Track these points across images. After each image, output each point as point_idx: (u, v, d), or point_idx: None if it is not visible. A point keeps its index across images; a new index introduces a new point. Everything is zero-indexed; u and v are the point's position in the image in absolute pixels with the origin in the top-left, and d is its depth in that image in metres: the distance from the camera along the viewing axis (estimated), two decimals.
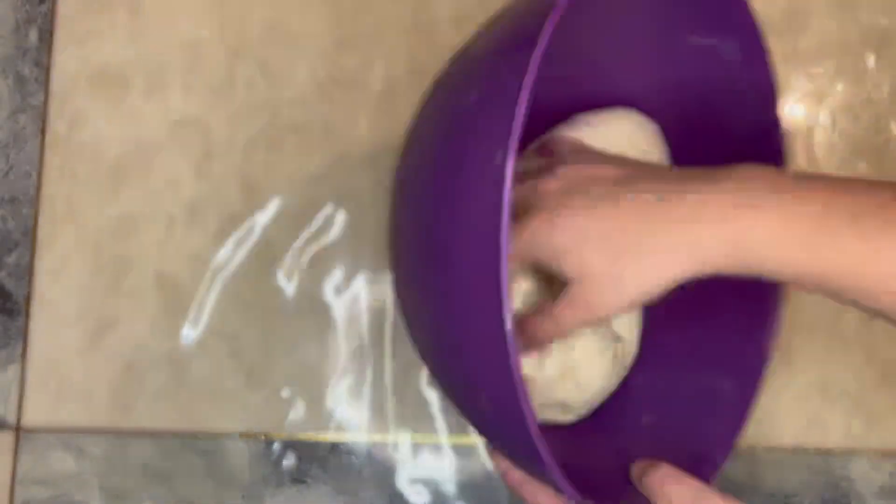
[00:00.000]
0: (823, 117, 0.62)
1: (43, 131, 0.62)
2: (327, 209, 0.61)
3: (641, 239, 0.38)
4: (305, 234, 0.61)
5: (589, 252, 0.38)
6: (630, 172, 0.41)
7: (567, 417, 0.52)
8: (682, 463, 0.39)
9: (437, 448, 0.60)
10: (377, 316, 0.60)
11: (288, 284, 0.61)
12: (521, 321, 0.43)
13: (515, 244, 0.40)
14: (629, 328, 0.53)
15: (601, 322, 0.44)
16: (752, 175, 0.37)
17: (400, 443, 0.60)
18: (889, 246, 0.34)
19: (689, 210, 0.37)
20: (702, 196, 0.37)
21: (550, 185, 0.41)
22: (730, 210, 0.36)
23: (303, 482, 0.60)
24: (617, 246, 0.38)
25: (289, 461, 0.60)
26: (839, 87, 0.62)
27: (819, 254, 0.35)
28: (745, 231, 0.36)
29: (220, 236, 0.61)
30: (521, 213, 0.41)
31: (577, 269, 0.39)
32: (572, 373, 0.49)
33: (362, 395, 0.60)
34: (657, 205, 0.37)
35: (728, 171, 0.38)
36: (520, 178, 0.42)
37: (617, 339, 0.51)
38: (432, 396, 0.60)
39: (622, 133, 0.52)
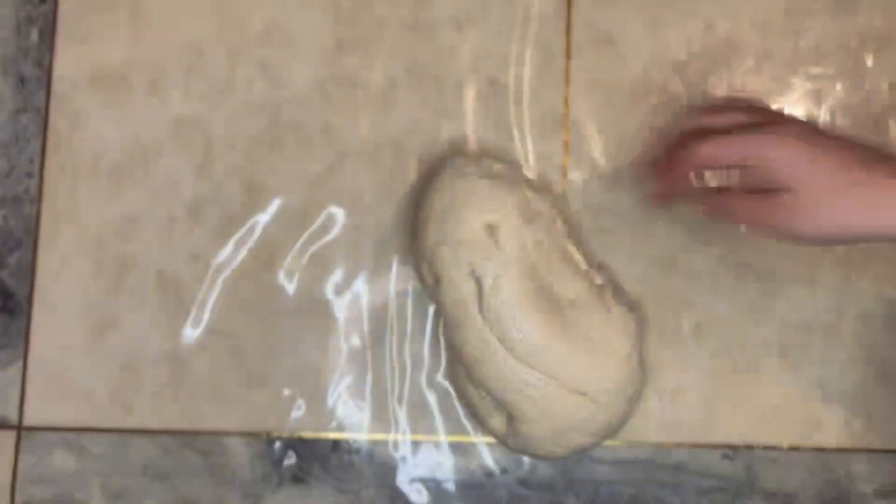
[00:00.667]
0: (823, 117, 0.62)
1: (44, 131, 0.62)
2: (327, 209, 0.61)
3: (861, 189, 0.45)
4: (306, 234, 0.61)
5: (816, 168, 0.46)
6: (838, 136, 0.49)
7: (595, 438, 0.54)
8: None
9: (437, 447, 0.60)
10: (378, 315, 0.60)
11: (288, 284, 0.61)
12: (728, 192, 0.52)
13: (751, 142, 0.48)
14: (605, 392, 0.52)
15: (783, 236, 0.49)
16: None
17: (400, 442, 0.60)
18: None
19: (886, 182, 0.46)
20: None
21: (782, 127, 0.49)
22: None
23: (303, 481, 0.60)
24: (841, 177, 0.46)
25: (289, 460, 0.60)
26: (838, 87, 0.62)
27: None
28: None
29: (221, 236, 0.61)
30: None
31: (799, 179, 0.46)
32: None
33: (363, 395, 0.60)
34: (880, 166, 0.46)
35: None
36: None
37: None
38: (432, 396, 0.60)
39: None
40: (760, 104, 0.59)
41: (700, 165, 0.52)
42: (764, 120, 0.50)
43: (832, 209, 0.46)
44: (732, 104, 0.57)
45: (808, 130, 0.48)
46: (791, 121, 0.50)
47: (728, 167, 0.53)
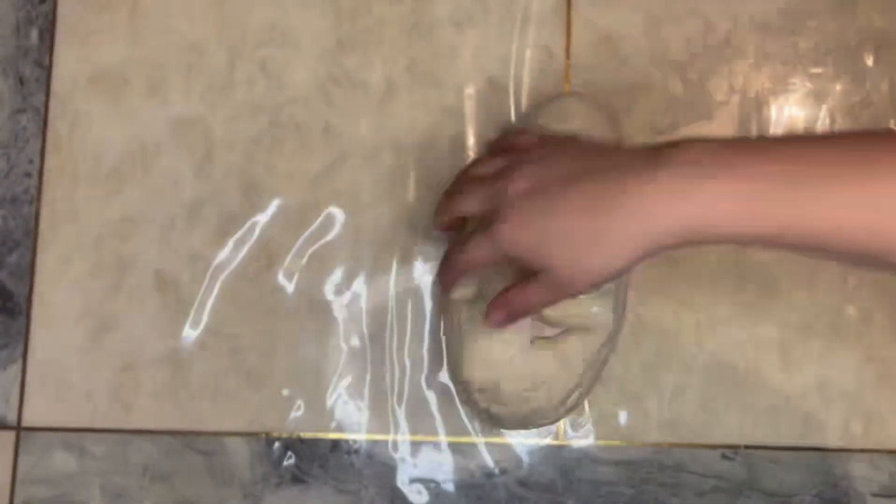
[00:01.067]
0: (823, 117, 0.62)
1: (44, 131, 0.62)
2: (327, 209, 0.61)
3: (597, 233, 0.41)
4: (305, 235, 0.61)
5: (552, 247, 0.43)
6: (584, 164, 0.44)
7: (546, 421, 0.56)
8: None
9: (436, 447, 0.60)
10: (377, 315, 0.60)
11: (288, 284, 0.61)
12: (500, 295, 0.48)
13: (487, 247, 0.46)
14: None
15: (571, 297, 0.47)
16: (695, 152, 0.39)
17: (400, 442, 0.60)
18: (826, 197, 0.36)
19: (639, 201, 0.40)
20: (651, 183, 0.40)
21: (512, 186, 0.45)
22: (678, 195, 0.39)
23: (303, 481, 0.60)
24: (576, 240, 0.42)
25: (289, 460, 0.60)
26: (838, 87, 0.62)
27: (767, 218, 0.37)
28: (698, 212, 0.39)
29: (221, 236, 0.61)
30: (490, 215, 0.46)
31: (544, 262, 0.44)
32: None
33: (362, 395, 0.60)
34: (610, 199, 0.41)
35: (672, 150, 0.40)
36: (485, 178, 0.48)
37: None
38: (432, 396, 0.60)
39: (576, 119, 0.56)
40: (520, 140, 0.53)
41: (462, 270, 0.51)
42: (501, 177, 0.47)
43: (585, 270, 0.43)
44: (501, 144, 0.55)
45: (531, 191, 0.44)
46: (518, 179, 0.45)
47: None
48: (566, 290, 0.45)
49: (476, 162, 0.53)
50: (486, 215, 0.46)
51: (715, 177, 0.38)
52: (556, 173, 0.44)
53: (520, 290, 0.47)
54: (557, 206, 0.43)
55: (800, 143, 0.40)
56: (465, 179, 0.51)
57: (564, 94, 0.61)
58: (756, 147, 0.40)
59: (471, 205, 0.49)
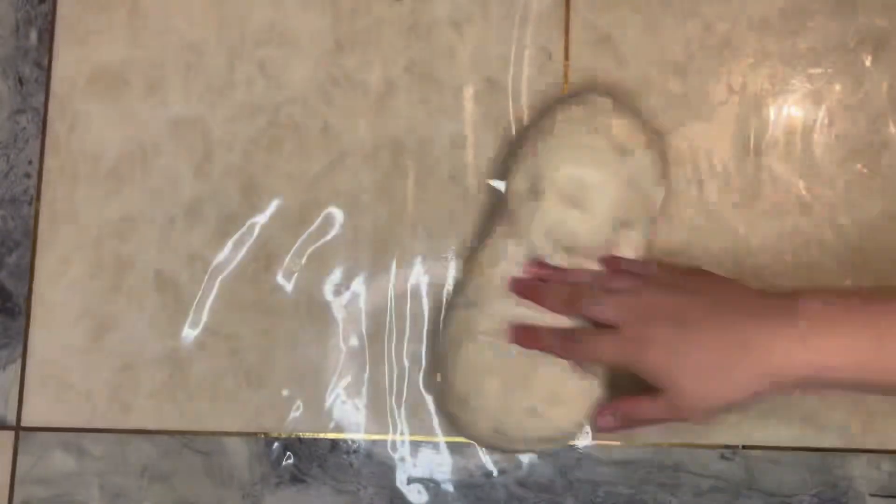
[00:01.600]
0: (822, 117, 0.62)
1: (43, 132, 0.62)
2: (326, 209, 0.61)
3: (727, 369, 0.46)
4: (304, 235, 0.61)
5: (682, 374, 0.47)
6: (718, 301, 0.49)
7: (553, 446, 0.58)
8: None
9: (435, 447, 0.60)
10: (376, 315, 0.60)
11: (287, 284, 0.61)
12: (612, 403, 0.53)
13: (612, 350, 0.50)
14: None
15: (682, 421, 0.50)
16: (818, 304, 0.46)
17: (399, 442, 0.60)
18: None
19: (768, 347, 0.45)
20: (779, 333, 0.45)
21: (650, 304, 0.49)
22: (803, 346, 0.44)
23: (302, 481, 0.60)
24: (707, 372, 0.47)
25: (288, 460, 0.60)
26: (837, 87, 0.62)
27: (884, 367, 0.44)
28: (819, 360, 0.44)
29: (220, 236, 0.61)
30: (623, 324, 0.50)
31: (670, 384, 0.48)
32: (540, 412, 0.54)
33: (361, 395, 0.60)
34: (743, 341, 0.46)
35: (797, 303, 0.46)
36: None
37: (590, 373, 0.54)
38: (431, 396, 0.60)
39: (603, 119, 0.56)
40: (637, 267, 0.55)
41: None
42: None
43: (706, 400, 0.47)
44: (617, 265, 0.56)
45: (668, 316, 0.49)
46: (655, 299, 0.50)
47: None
48: (682, 414, 0.48)
49: (601, 275, 0.54)
50: (618, 323, 0.50)
51: (835, 330, 0.44)
52: (692, 304, 0.49)
53: (634, 403, 0.51)
54: (693, 336, 0.47)
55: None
56: (596, 284, 0.53)
57: (586, 94, 0.60)
58: (865, 300, 0.46)
59: (605, 312, 0.51)
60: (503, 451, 0.57)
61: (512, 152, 0.58)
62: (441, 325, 0.59)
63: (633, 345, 0.49)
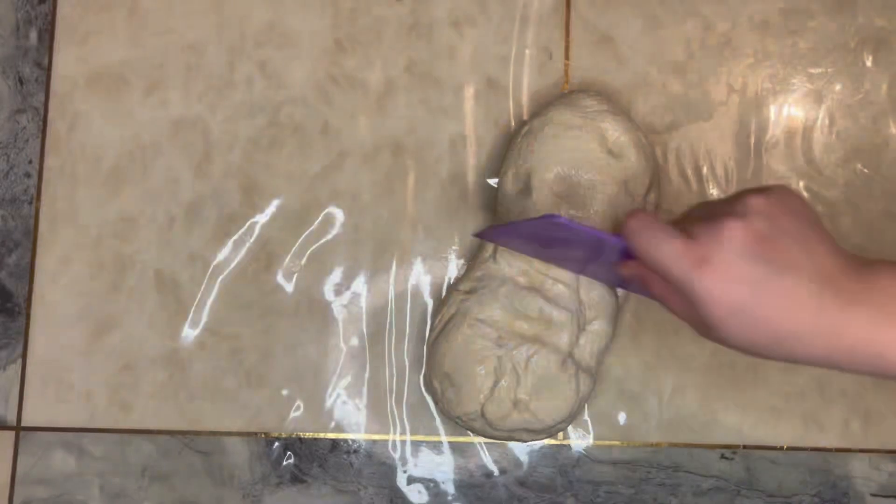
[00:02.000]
0: (822, 117, 0.62)
1: (43, 132, 0.62)
2: (326, 209, 0.61)
3: (805, 345, 0.40)
4: (304, 234, 0.61)
5: (753, 337, 0.41)
6: (807, 252, 0.41)
7: (536, 437, 0.56)
8: None
9: (436, 447, 0.60)
10: (377, 315, 0.60)
11: (287, 284, 0.61)
12: (650, 274, 0.44)
13: (676, 255, 0.41)
14: (593, 359, 0.56)
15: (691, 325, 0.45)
16: (892, 291, 0.40)
17: (399, 442, 0.60)
18: None
19: (833, 318, 0.39)
20: (859, 309, 0.39)
21: (742, 224, 0.40)
22: (871, 325, 0.39)
23: (302, 481, 0.60)
24: (781, 343, 0.40)
25: (288, 460, 0.60)
26: (837, 87, 0.62)
27: None
28: (885, 347, 0.39)
29: (220, 236, 0.61)
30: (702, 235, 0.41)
31: (724, 328, 0.41)
32: (525, 405, 0.54)
33: (361, 395, 0.60)
34: (809, 305, 0.40)
35: (875, 277, 0.40)
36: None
37: (578, 371, 0.55)
38: (431, 396, 0.60)
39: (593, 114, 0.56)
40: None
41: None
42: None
43: (767, 350, 0.42)
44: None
45: (752, 254, 0.40)
46: (744, 225, 0.40)
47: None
48: (706, 334, 0.43)
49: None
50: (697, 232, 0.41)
51: None
52: (782, 244, 0.41)
53: (661, 283, 0.44)
54: (769, 280, 0.40)
55: None
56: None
57: (568, 92, 0.61)
58: None
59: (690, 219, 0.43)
60: (482, 435, 0.57)
61: (506, 151, 0.59)
62: (439, 304, 0.59)
63: (706, 262, 0.40)
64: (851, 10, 0.62)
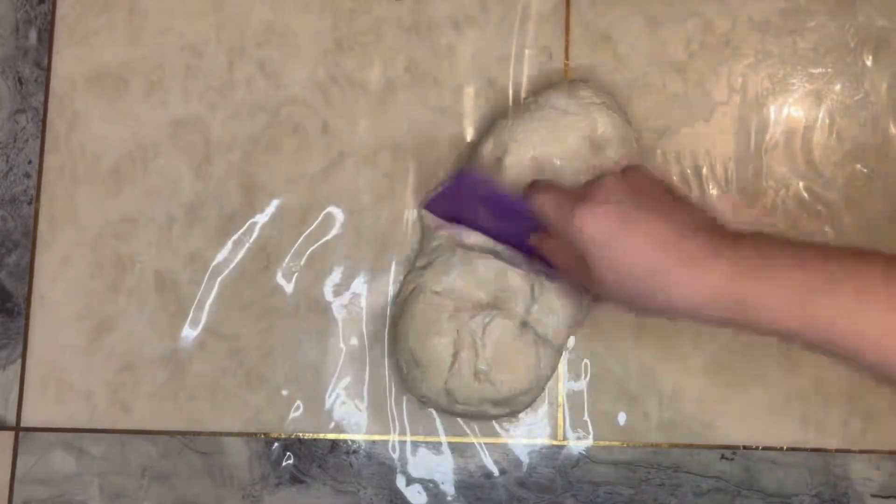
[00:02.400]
0: (822, 117, 0.62)
1: (43, 132, 0.62)
2: (326, 209, 0.61)
3: (665, 284, 0.42)
4: (304, 234, 0.61)
5: (620, 269, 0.43)
6: (670, 206, 0.45)
7: (501, 410, 0.56)
8: None
9: (435, 447, 0.60)
10: (376, 315, 0.60)
11: (287, 284, 0.61)
12: (550, 241, 0.51)
13: (560, 205, 0.45)
14: (555, 332, 0.56)
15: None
16: (754, 250, 0.41)
17: (398, 442, 0.60)
18: (860, 307, 0.39)
19: (703, 266, 0.41)
20: (721, 260, 0.41)
21: (608, 183, 0.45)
22: (737, 275, 0.41)
23: (302, 482, 0.60)
24: (644, 280, 0.42)
25: (288, 461, 0.60)
26: (837, 87, 0.62)
27: (794, 315, 0.40)
28: (747, 293, 0.40)
29: (219, 236, 0.61)
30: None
31: (601, 272, 0.44)
32: (486, 375, 0.54)
33: (361, 395, 0.60)
34: (681, 252, 0.42)
35: (742, 240, 0.42)
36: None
37: (537, 340, 0.55)
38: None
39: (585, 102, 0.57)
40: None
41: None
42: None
43: (636, 294, 0.43)
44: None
45: (621, 202, 0.44)
46: (613, 184, 0.45)
47: None
48: (600, 292, 0.46)
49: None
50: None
51: (764, 272, 0.40)
52: (653, 195, 0.45)
53: (559, 248, 0.50)
54: (637, 217, 0.43)
55: (821, 253, 0.42)
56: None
57: (570, 80, 0.61)
58: (792, 251, 0.42)
59: (546, 213, 0.47)
60: (452, 413, 0.57)
61: (495, 117, 0.59)
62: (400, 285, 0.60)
63: (586, 208, 0.44)
64: (851, 10, 0.62)
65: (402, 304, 0.57)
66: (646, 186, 0.46)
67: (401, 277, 0.60)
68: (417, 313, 0.55)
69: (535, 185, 0.49)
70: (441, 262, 0.56)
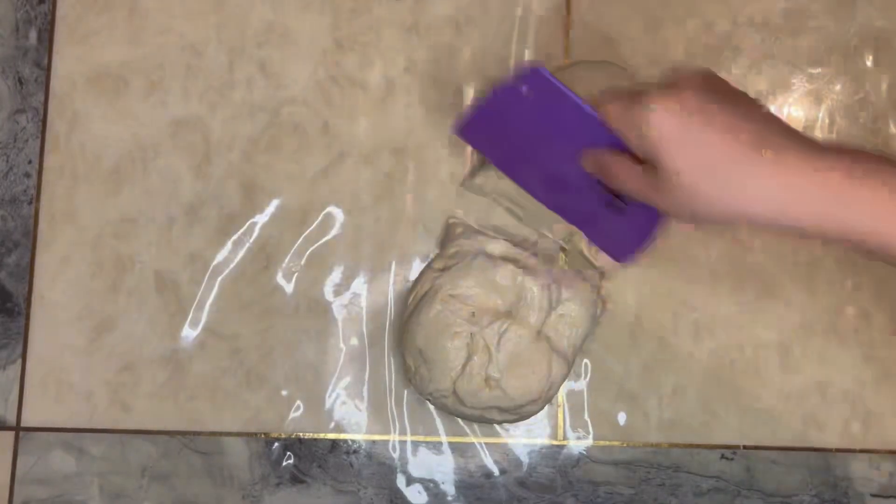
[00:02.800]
0: (822, 117, 0.62)
1: (43, 132, 0.62)
2: (326, 209, 0.61)
3: (743, 177, 0.40)
4: (304, 234, 0.61)
5: (696, 163, 0.41)
6: (750, 109, 0.43)
7: (506, 417, 0.56)
8: None
9: (435, 447, 0.60)
10: (376, 315, 0.60)
11: (287, 284, 0.61)
12: (609, 155, 0.46)
13: (631, 110, 0.43)
14: (569, 344, 0.56)
15: (667, 213, 0.46)
16: (844, 160, 0.40)
17: (399, 442, 0.60)
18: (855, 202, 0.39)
19: (789, 166, 0.40)
20: (809, 161, 0.40)
21: (692, 81, 0.42)
22: (829, 178, 0.40)
23: (302, 482, 0.60)
24: (722, 172, 0.41)
25: (288, 461, 0.60)
26: (837, 87, 0.62)
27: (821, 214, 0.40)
28: (845, 194, 0.39)
29: (219, 236, 0.61)
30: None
31: (676, 167, 0.41)
32: (496, 382, 0.55)
33: (361, 395, 0.60)
34: (770, 155, 0.40)
35: (826, 150, 0.41)
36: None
37: (552, 352, 0.55)
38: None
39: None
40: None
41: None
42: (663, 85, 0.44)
43: (712, 191, 0.41)
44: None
45: (700, 97, 0.42)
46: (688, 82, 0.43)
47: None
48: (665, 203, 0.43)
49: None
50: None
51: (861, 179, 0.39)
52: (725, 95, 0.43)
53: (621, 164, 0.45)
54: (719, 112, 0.41)
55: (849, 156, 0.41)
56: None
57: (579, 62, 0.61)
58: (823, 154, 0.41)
59: (609, 117, 0.45)
60: (454, 413, 0.58)
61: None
62: (413, 283, 0.60)
63: (662, 108, 0.42)
64: (851, 10, 0.62)
65: (416, 303, 0.57)
66: (723, 88, 0.43)
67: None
68: (432, 314, 0.56)
69: (605, 94, 0.45)
70: (460, 267, 0.56)
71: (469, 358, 0.55)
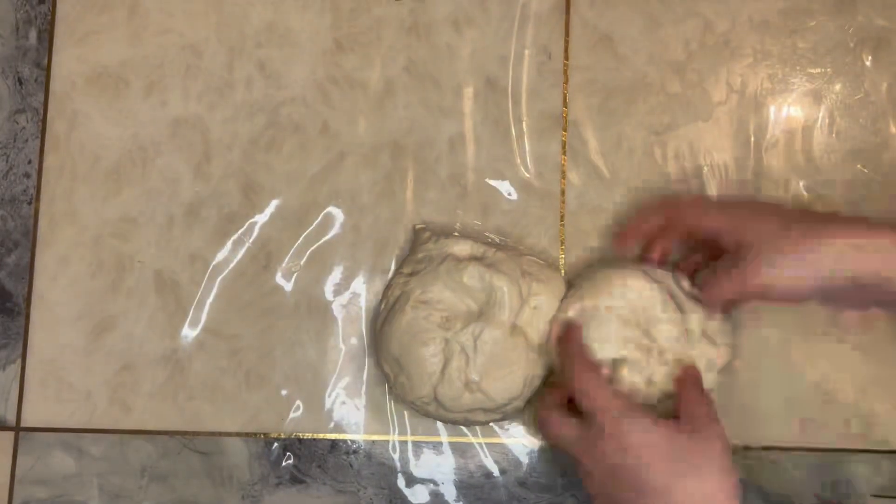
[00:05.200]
0: (822, 117, 0.62)
1: (42, 132, 0.62)
2: (325, 209, 0.61)
3: (797, 249, 0.49)
4: (304, 234, 0.61)
5: (761, 224, 0.51)
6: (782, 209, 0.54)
7: (491, 417, 0.56)
8: None
9: (435, 447, 0.60)
10: (376, 315, 0.60)
11: (287, 284, 0.61)
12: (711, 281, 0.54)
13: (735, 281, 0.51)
14: (541, 335, 0.56)
15: (757, 298, 0.52)
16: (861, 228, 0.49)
17: (398, 442, 0.60)
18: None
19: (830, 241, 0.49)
20: (838, 232, 0.49)
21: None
22: (852, 244, 0.48)
23: (302, 482, 0.60)
24: (785, 233, 0.50)
25: (287, 461, 0.60)
26: (837, 87, 0.62)
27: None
28: (862, 261, 0.48)
29: (219, 236, 0.61)
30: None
31: (745, 237, 0.51)
32: (476, 385, 0.54)
33: (361, 395, 0.60)
34: (806, 240, 0.49)
35: (846, 221, 0.50)
36: None
37: (528, 347, 0.55)
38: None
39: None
40: None
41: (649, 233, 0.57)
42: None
43: (784, 258, 0.49)
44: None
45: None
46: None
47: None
48: (757, 281, 0.50)
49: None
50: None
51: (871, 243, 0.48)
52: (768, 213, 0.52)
53: (713, 275, 0.53)
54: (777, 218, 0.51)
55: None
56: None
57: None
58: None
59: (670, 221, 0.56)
60: (438, 419, 0.58)
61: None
62: (384, 289, 0.59)
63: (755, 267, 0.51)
64: (851, 10, 0.62)
65: (389, 310, 0.57)
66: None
67: None
68: (405, 321, 0.55)
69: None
70: (428, 271, 0.56)
71: (446, 363, 0.54)
